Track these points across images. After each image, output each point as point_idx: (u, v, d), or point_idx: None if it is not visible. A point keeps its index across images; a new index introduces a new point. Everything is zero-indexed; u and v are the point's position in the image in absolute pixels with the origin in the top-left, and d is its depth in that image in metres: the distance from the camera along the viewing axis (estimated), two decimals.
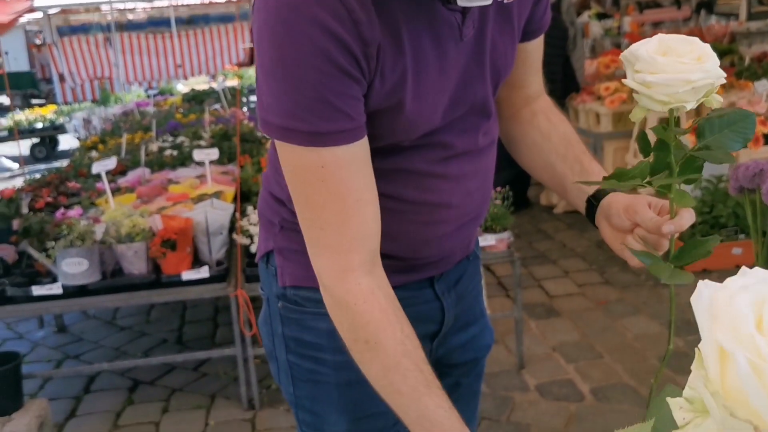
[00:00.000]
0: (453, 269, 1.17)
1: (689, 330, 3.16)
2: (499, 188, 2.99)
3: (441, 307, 1.17)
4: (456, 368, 1.25)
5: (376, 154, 0.94)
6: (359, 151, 0.90)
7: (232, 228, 2.89)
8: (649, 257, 0.81)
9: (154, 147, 4.26)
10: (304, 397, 1.18)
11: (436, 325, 1.19)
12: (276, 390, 2.92)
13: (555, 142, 1.13)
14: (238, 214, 2.96)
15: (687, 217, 0.87)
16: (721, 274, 3.55)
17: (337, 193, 0.89)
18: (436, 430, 0.86)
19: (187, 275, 2.67)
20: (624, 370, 2.89)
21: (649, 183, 0.77)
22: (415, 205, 1.03)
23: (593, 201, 1.05)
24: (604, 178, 0.82)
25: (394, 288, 1.00)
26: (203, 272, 2.67)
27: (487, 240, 2.85)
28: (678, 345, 3.05)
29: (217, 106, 6.09)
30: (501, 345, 3.18)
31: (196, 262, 2.74)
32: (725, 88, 3.97)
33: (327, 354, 1.14)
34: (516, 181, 4.38)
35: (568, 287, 3.74)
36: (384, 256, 1.05)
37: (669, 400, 0.47)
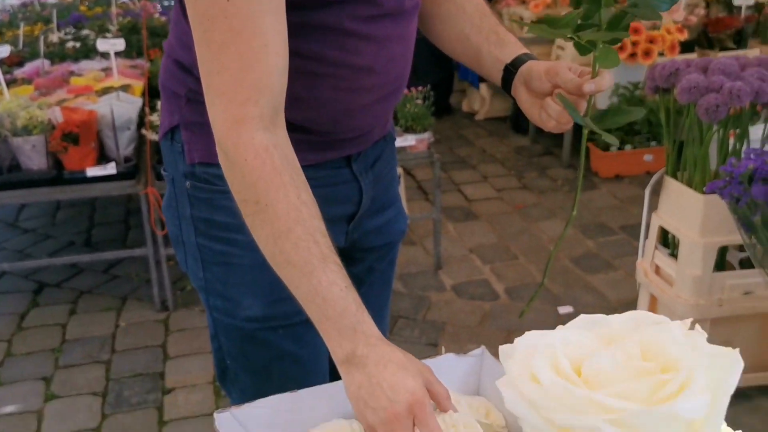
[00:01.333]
0: (370, 149, 1.13)
1: (602, 232, 3.26)
2: (420, 87, 2.93)
3: (359, 187, 1.13)
4: (371, 252, 1.23)
5: (299, 7, 0.87)
6: None
7: (141, 123, 2.74)
8: (575, 110, 0.79)
9: (54, 38, 3.96)
10: (215, 280, 1.13)
11: (354, 207, 1.15)
12: (190, 291, 2.86)
13: (470, 13, 1.10)
14: (147, 109, 2.80)
15: (607, 78, 0.88)
16: (632, 180, 3.64)
17: (241, 33, 0.81)
18: (328, 309, 0.81)
19: (92, 171, 2.52)
20: (537, 271, 2.96)
21: (578, 37, 0.74)
22: (337, 67, 0.96)
23: (511, 68, 1.03)
24: (532, 22, 0.79)
25: (311, 166, 0.95)
26: (110, 169, 2.53)
27: (407, 140, 2.80)
28: (589, 246, 3.15)
29: None
30: (419, 246, 3.20)
31: (102, 158, 2.59)
32: None
33: (240, 234, 1.09)
34: (439, 86, 4.32)
35: (487, 191, 3.77)
36: (302, 129, 0.99)
37: None
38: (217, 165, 1.04)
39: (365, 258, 1.22)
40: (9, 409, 2.22)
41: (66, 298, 2.89)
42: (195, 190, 1.08)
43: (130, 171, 2.59)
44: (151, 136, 2.64)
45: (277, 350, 1.17)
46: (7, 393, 2.30)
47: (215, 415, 0.95)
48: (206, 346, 2.51)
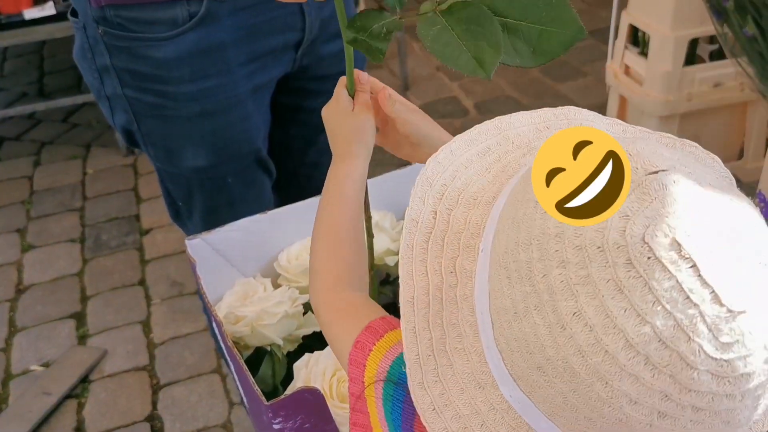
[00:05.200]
0: None
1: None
2: None
3: (301, 11, 1.06)
4: (330, 81, 1.17)
5: None
6: None
7: None
8: None
9: None
10: (152, 134, 1.08)
11: (298, 33, 1.08)
12: None
13: None
14: None
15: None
16: None
17: None
18: None
19: (30, 14, 2.36)
20: (507, 84, 2.91)
21: None
22: None
23: None
24: None
25: None
26: (48, 9, 2.37)
27: None
28: None
29: None
30: (385, 69, 3.11)
31: None
32: None
33: (170, 86, 1.02)
34: None
35: None
36: None
37: None
38: (128, 6, 0.95)
39: (327, 89, 1.16)
40: None
41: (28, 150, 2.81)
42: (110, 37, 0.99)
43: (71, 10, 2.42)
44: None
45: (225, 196, 1.15)
46: None
47: (186, 242, 0.94)
48: None
